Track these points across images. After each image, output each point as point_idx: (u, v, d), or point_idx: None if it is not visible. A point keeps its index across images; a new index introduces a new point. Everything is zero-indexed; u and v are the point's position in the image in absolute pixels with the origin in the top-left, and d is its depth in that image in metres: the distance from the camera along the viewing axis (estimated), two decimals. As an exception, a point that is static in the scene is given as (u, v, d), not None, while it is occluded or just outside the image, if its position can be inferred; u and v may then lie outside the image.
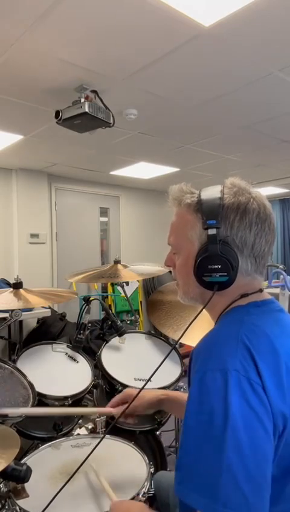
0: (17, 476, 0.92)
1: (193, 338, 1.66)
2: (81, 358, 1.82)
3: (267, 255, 0.83)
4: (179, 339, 1.01)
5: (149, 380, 0.98)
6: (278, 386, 0.68)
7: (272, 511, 0.67)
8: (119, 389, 1.60)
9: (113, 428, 1.42)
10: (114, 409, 1.17)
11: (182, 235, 0.88)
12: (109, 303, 5.18)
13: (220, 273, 0.80)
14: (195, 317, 0.88)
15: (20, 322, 3.80)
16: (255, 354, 0.69)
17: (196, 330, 1.68)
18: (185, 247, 0.87)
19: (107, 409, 1.19)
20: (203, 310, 0.87)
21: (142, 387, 0.98)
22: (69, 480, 0.95)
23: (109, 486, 1.04)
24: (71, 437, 1.38)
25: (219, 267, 0.79)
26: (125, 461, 1.22)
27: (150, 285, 5.58)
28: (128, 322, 4.32)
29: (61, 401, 1.56)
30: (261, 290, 0.85)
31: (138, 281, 5.25)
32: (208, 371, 0.69)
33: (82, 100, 2.22)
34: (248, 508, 0.60)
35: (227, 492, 0.61)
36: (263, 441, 0.64)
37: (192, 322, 0.90)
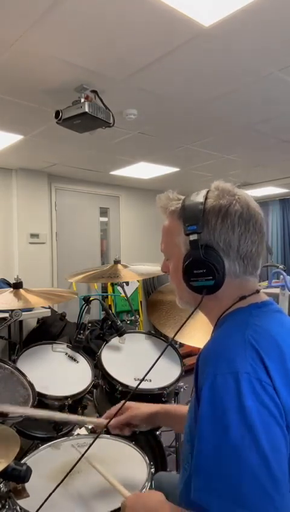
0: (17, 476, 0.92)
1: (192, 338, 1.66)
2: (81, 358, 1.82)
3: (256, 255, 0.83)
4: (173, 337, 1.02)
5: (143, 379, 0.99)
6: (287, 384, 0.69)
7: None
8: (119, 389, 1.60)
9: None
10: (108, 420, 1.14)
11: (170, 242, 0.90)
12: (109, 303, 5.18)
13: (206, 278, 0.81)
14: (187, 319, 0.90)
15: (20, 322, 3.80)
16: (263, 355, 0.69)
17: (196, 331, 1.69)
18: (174, 254, 0.89)
19: (100, 420, 1.18)
20: (201, 313, 0.88)
21: (138, 385, 0.99)
22: (64, 479, 0.95)
23: (118, 483, 1.03)
24: (71, 437, 1.38)
25: (204, 271, 0.80)
26: (126, 461, 1.22)
27: (150, 285, 5.58)
28: (128, 322, 4.32)
29: (61, 401, 1.56)
30: (258, 291, 0.85)
31: (138, 281, 5.25)
32: (218, 375, 0.69)
33: (82, 100, 2.22)
34: (274, 508, 0.61)
35: (252, 495, 0.61)
36: (280, 439, 0.64)
37: (185, 322, 0.92)
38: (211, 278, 0.80)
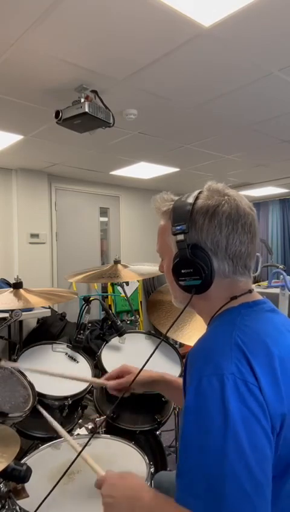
0: (17, 476, 0.92)
1: (192, 338, 1.66)
2: (81, 358, 1.82)
3: (245, 255, 0.83)
4: (166, 332, 1.04)
5: (143, 368, 1.01)
6: (274, 385, 0.68)
7: (271, 508, 0.68)
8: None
9: (113, 428, 1.43)
10: (109, 381, 1.20)
11: (163, 242, 0.92)
12: (109, 303, 5.18)
13: (193, 277, 0.81)
14: (177, 317, 0.93)
15: (20, 322, 3.80)
16: (249, 356, 0.69)
17: (196, 331, 1.69)
18: (167, 254, 0.91)
19: (102, 381, 1.23)
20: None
21: (141, 369, 1.02)
22: (60, 479, 0.95)
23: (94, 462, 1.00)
24: (71, 437, 1.38)
25: (191, 271, 0.81)
26: (126, 461, 1.22)
27: (150, 285, 5.58)
28: (128, 322, 4.32)
29: (61, 401, 1.56)
30: (250, 291, 0.85)
31: (138, 281, 5.25)
32: (204, 377, 0.69)
33: (82, 100, 2.22)
34: (253, 509, 0.61)
35: (232, 496, 0.61)
36: (263, 442, 0.64)
37: (176, 320, 0.95)
38: (198, 277, 0.81)
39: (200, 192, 0.86)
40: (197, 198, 0.84)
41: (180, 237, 0.82)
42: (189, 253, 0.81)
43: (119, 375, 1.20)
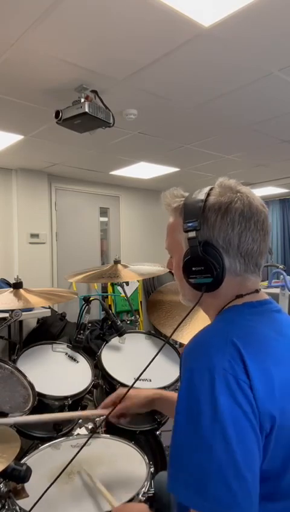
0: (17, 476, 0.92)
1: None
2: (81, 358, 1.82)
3: (257, 253, 0.82)
4: (170, 335, 1.02)
5: (138, 379, 1.01)
6: (267, 386, 0.68)
7: (269, 508, 0.68)
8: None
9: (113, 428, 1.43)
10: (105, 410, 1.17)
11: (173, 239, 0.90)
12: (109, 303, 5.18)
13: (204, 275, 0.80)
14: (187, 314, 0.91)
15: (20, 322, 3.80)
16: (244, 354, 0.69)
17: (196, 331, 1.68)
18: (177, 251, 0.89)
19: (98, 411, 1.19)
20: (203, 313, 0.88)
21: (131, 386, 1.00)
22: (57, 478, 0.95)
23: (107, 490, 1.04)
24: (71, 437, 1.38)
25: (202, 268, 0.80)
26: (125, 461, 1.22)
27: (150, 285, 5.58)
28: (128, 322, 4.32)
29: (61, 401, 1.56)
30: (257, 291, 0.84)
31: (138, 281, 5.25)
32: (195, 370, 0.69)
33: (82, 100, 2.22)
34: (236, 504, 0.61)
35: (216, 489, 0.61)
36: (250, 438, 0.64)
37: (185, 318, 0.93)
38: (209, 275, 0.80)
39: (211, 189, 0.85)
40: (208, 194, 0.83)
41: (192, 234, 0.81)
42: (200, 250, 0.80)
43: (115, 401, 1.17)
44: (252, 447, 0.64)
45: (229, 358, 0.68)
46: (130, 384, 1.58)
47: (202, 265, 0.80)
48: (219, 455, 0.62)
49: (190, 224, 0.81)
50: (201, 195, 0.83)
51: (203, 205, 0.81)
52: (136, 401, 1.16)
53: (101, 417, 1.46)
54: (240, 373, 0.67)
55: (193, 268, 0.81)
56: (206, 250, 0.80)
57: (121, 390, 1.20)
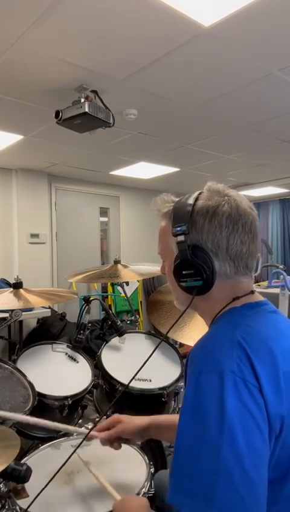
0: (17, 476, 0.92)
1: (193, 338, 1.66)
2: (81, 358, 1.82)
3: (247, 255, 0.82)
4: (166, 333, 1.02)
5: (133, 378, 1.00)
6: (275, 387, 0.68)
7: (271, 511, 0.67)
8: (119, 388, 1.60)
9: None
10: (99, 433, 1.12)
11: (164, 243, 0.92)
12: (109, 303, 5.18)
13: (194, 278, 0.81)
14: (178, 318, 0.92)
15: (20, 322, 3.80)
16: (251, 356, 0.69)
17: (196, 331, 1.69)
18: (168, 255, 0.90)
19: (93, 433, 1.13)
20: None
21: (127, 385, 1.00)
22: (53, 477, 0.95)
23: (111, 486, 1.04)
24: (71, 437, 1.38)
25: (192, 272, 0.81)
26: (125, 461, 1.22)
27: (150, 285, 5.58)
28: (128, 322, 4.32)
29: (61, 401, 1.56)
30: (252, 292, 0.85)
31: (138, 281, 5.25)
32: (203, 373, 0.69)
33: (82, 100, 2.22)
34: (244, 509, 0.60)
35: (223, 496, 0.60)
36: (259, 443, 0.64)
37: (177, 320, 0.94)
38: (199, 278, 0.81)
39: (200, 193, 0.86)
40: (197, 199, 0.84)
41: (181, 238, 0.82)
42: (190, 254, 0.81)
43: (110, 426, 1.13)
44: (260, 450, 0.63)
45: (237, 361, 0.68)
46: (130, 384, 1.59)
47: (191, 269, 0.81)
48: (228, 460, 0.61)
49: (178, 229, 0.83)
50: (190, 200, 0.85)
51: (192, 209, 0.82)
52: (130, 426, 1.10)
53: (101, 417, 1.46)
54: (249, 375, 0.67)
55: (183, 272, 0.82)
56: (195, 254, 0.81)
57: (117, 416, 1.14)
